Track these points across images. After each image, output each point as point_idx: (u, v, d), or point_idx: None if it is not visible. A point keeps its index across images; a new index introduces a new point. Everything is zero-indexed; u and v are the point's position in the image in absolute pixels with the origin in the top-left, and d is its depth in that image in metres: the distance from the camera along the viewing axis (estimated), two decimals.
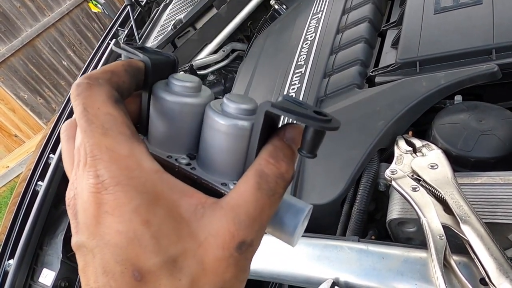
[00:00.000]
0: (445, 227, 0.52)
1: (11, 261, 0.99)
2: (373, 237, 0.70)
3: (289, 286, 0.78)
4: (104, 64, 1.43)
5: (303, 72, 0.98)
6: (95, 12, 4.02)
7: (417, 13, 0.88)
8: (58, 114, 1.37)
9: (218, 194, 0.24)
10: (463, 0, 0.83)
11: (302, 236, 0.66)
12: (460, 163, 0.64)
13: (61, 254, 1.01)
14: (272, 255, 0.63)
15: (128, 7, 1.71)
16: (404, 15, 0.91)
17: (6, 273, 0.98)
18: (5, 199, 3.81)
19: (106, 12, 2.48)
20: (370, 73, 0.88)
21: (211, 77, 1.46)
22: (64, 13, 4.09)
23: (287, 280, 0.62)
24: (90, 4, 2.41)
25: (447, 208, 0.55)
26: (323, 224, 0.74)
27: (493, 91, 0.75)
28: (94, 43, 4.34)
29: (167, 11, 1.69)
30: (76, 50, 4.31)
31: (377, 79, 0.85)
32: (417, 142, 0.69)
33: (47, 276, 0.98)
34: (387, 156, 0.75)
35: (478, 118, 0.67)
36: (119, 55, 0.30)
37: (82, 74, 1.50)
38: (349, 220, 0.70)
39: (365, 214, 0.69)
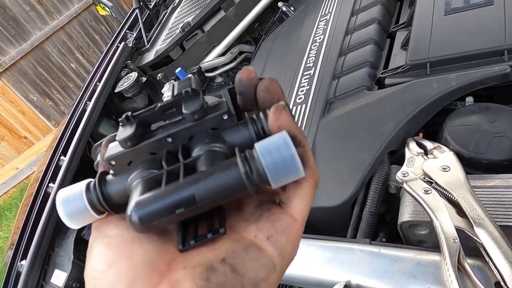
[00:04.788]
0: (458, 230, 0.52)
1: (23, 262, 1.01)
2: (383, 240, 0.70)
3: None
4: (113, 67, 1.44)
5: (312, 74, 0.98)
6: (103, 15, 4.05)
7: (427, 14, 0.87)
8: (69, 116, 1.39)
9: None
10: (474, 1, 0.82)
11: (313, 238, 0.66)
12: (473, 166, 0.64)
13: (72, 255, 1.02)
14: None
15: (137, 10, 1.73)
16: (414, 16, 0.90)
17: (19, 274, 0.99)
18: (15, 200, 3.86)
19: (113, 15, 2.51)
20: (380, 75, 0.87)
21: (219, 79, 1.46)
22: (72, 16, 4.14)
23: (299, 282, 0.62)
24: (98, 7, 2.43)
25: (460, 211, 0.54)
26: (334, 226, 0.74)
27: (505, 92, 0.74)
28: (102, 45, 4.38)
29: (175, 14, 1.70)
30: (84, 52, 4.35)
31: (387, 81, 0.85)
32: (429, 144, 0.68)
33: (58, 276, 0.99)
34: (397, 158, 0.75)
35: (490, 120, 0.66)
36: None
37: (92, 77, 1.51)
38: (359, 222, 0.70)
39: (375, 217, 0.68)
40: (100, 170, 0.27)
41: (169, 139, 0.26)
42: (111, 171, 0.27)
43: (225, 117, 0.26)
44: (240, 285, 0.22)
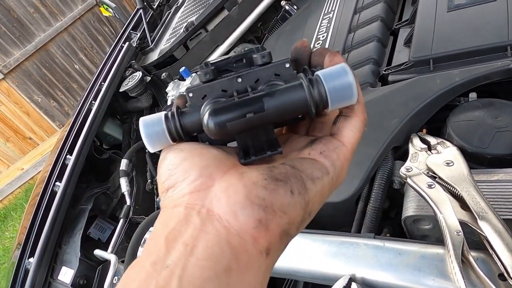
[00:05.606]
0: (462, 224, 0.52)
1: (31, 260, 1.02)
2: (387, 235, 0.70)
3: (304, 283, 0.78)
4: (118, 66, 1.46)
5: None
6: (106, 16, 4.08)
7: (430, 11, 0.88)
8: (74, 115, 1.40)
9: None
10: None
11: (318, 233, 0.66)
12: (476, 160, 0.64)
13: (79, 253, 1.03)
14: (288, 252, 0.64)
15: (141, 10, 1.74)
16: (417, 13, 0.91)
17: (27, 271, 1.01)
18: (20, 200, 3.88)
19: (117, 16, 2.53)
20: (383, 72, 0.88)
21: None
22: (75, 18, 4.16)
23: (304, 276, 0.63)
24: (101, 9, 2.45)
25: (463, 205, 0.55)
26: (338, 221, 0.75)
27: (508, 87, 0.75)
28: (105, 46, 4.40)
29: (179, 14, 1.71)
30: (87, 53, 4.38)
31: (390, 78, 0.85)
32: (432, 140, 0.69)
33: (66, 274, 1.01)
34: (401, 154, 0.75)
35: (493, 115, 0.67)
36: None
37: (96, 77, 1.53)
38: (364, 217, 0.70)
39: (380, 212, 0.69)
40: (175, 106, 0.31)
41: (239, 80, 0.30)
42: (188, 103, 0.30)
43: (287, 65, 0.29)
44: (299, 176, 0.25)
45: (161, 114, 0.30)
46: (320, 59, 0.30)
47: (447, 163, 0.62)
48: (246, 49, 0.32)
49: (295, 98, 0.26)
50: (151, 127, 0.29)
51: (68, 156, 1.23)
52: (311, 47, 0.30)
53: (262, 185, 0.24)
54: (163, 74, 1.41)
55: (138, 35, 1.68)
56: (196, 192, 0.24)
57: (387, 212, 0.75)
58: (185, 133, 0.29)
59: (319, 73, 0.27)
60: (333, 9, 1.15)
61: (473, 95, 0.74)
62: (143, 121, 0.29)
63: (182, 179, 0.25)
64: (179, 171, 0.26)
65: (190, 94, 0.30)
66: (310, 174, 0.26)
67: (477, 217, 0.51)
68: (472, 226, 0.51)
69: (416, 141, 0.70)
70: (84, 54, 4.36)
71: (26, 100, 4.04)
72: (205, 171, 0.25)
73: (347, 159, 0.29)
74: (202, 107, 0.29)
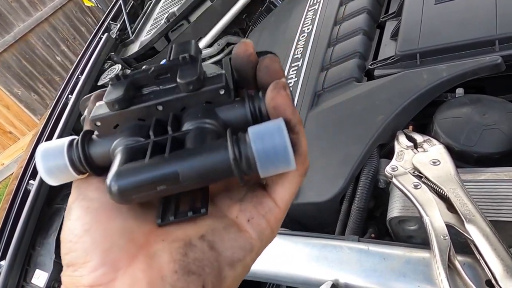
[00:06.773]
0: (449, 226, 0.50)
1: (2, 262, 0.97)
2: (372, 235, 0.68)
3: (287, 287, 0.76)
4: (96, 59, 1.40)
5: (299, 65, 0.95)
6: (88, 6, 3.96)
7: (417, 3, 0.85)
8: (50, 110, 1.34)
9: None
10: None
11: (300, 235, 0.64)
12: (463, 159, 0.62)
13: (54, 255, 0.99)
14: (270, 256, 0.61)
15: (121, 0, 1.67)
16: (404, 5, 0.88)
17: None
18: (1, 196, 3.78)
19: (99, 5, 2.45)
20: (369, 66, 0.85)
21: None
22: (57, 7, 4.03)
23: (285, 281, 0.60)
24: None
25: (450, 206, 0.53)
26: (322, 222, 0.72)
27: (496, 83, 0.73)
28: (88, 37, 4.27)
29: (160, 4, 1.65)
30: (70, 45, 4.25)
31: (376, 72, 0.83)
32: (418, 137, 0.66)
33: (40, 277, 0.96)
34: (387, 152, 0.73)
35: (481, 112, 0.65)
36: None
37: (74, 69, 1.46)
38: (348, 218, 0.68)
39: (364, 212, 0.67)
40: (85, 127, 0.26)
41: (160, 107, 0.24)
42: (96, 132, 0.25)
43: (222, 92, 0.24)
44: (216, 262, 0.22)
45: (65, 141, 0.24)
46: (266, 77, 0.25)
47: (434, 162, 0.60)
48: (171, 57, 0.25)
49: (217, 166, 0.21)
50: (51, 159, 0.24)
51: None
52: (255, 52, 0.26)
53: (170, 282, 0.20)
54: (144, 66, 1.36)
55: (118, 26, 1.61)
56: (96, 287, 0.21)
57: (372, 211, 0.73)
58: (92, 167, 0.24)
59: (249, 130, 0.22)
60: (319, 0, 1.11)
61: (460, 91, 0.72)
62: (41, 151, 0.24)
63: (82, 262, 0.22)
64: (80, 248, 0.22)
65: (98, 123, 0.24)
66: (230, 257, 0.22)
67: (464, 220, 0.49)
68: (459, 230, 0.49)
69: (402, 138, 0.68)
70: (66, 46, 4.23)
71: (6, 93, 3.90)
72: (108, 258, 0.21)
73: (278, 221, 0.25)
74: (114, 144, 0.24)
